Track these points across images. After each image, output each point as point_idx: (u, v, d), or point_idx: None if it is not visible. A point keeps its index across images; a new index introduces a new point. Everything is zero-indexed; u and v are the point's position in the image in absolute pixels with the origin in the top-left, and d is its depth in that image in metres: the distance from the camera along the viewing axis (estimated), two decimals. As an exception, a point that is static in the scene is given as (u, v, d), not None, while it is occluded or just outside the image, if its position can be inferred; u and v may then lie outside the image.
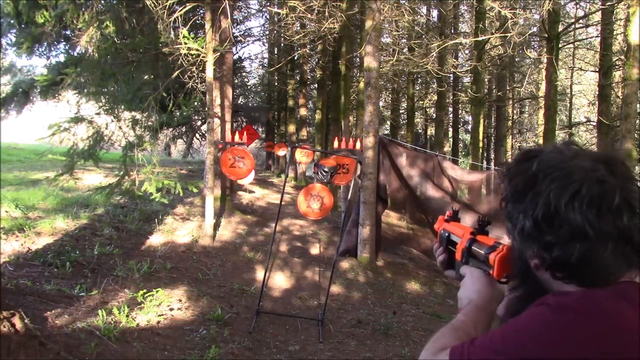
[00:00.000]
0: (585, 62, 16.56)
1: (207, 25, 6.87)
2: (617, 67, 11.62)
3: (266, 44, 21.29)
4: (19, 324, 2.79)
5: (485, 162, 18.12)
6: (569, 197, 0.70)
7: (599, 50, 11.60)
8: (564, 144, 0.80)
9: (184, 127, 17.36)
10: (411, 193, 7.34)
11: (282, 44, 18.72)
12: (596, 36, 13.78)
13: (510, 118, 18.89)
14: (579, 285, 0.74)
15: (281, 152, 16.63)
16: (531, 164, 0.77)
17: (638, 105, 7.61)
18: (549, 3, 7.94)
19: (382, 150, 7.00)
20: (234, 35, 8.83)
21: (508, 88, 16.72)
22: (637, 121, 9.01)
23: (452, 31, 13.71)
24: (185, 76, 7.01)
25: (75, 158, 6.38)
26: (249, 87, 24.13)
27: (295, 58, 17.07)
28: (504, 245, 0.87)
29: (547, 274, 0.77)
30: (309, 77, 19.07)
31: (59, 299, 4.12)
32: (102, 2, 6.98)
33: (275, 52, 20.49)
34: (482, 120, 14.02)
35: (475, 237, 0.97)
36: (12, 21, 7.80)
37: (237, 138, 5.91)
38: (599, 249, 0.70)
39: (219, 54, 7.16)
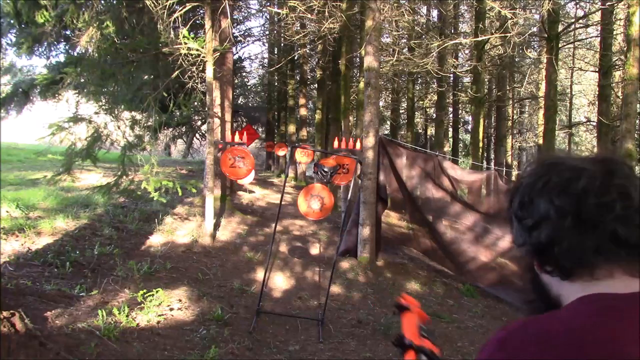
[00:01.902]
0: (585, 62, 16.55)
1: (207, 25, 6.87)
2: (617, 67, 11.62)
3: (266, 44, 21.32)
4: (19, 324, 2.79)
5: (485, 162, 18.10)
6: (541, 185, 0.76)
7: (599, 50, 11.59)
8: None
9: (184, 127, 17.37)
10: (409, 195, 7.33)
11: (282, 44, 18.71)
12: (596, 36, 13.77)
13: (510, 118, 18.90)
14: (562, 278, 0.75)
15: (281, 152, 16.66)
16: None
17: (638, 105, 7.61)
18: (548, 3, 7.94)
19: (382, 150, 7.00)
20: (234, 35, 8.82)
21: (508, 88, 16.72)
22: (637, 121, 9.01)
23: (452, 31, 13.69)
24: (185, 76, 7.01)
25: (73, 157, 6.39)
26: (249, 87, 24.15)
27: (295, 58, 17.06)
28: None
29: (546, 275, 0.78)
30: (309, 77, 19.07)
31: (59, 299, 4.12)
32: (102, 2, 6.98)
33: (275, 52, 20.48)
34: (482, 120, 14.01)
35: None
36: (12, 21, 7.79)
37: (237, 138, 5.91)
38: (560, 225, 0.72)
39: (219, 54, 7.17)
